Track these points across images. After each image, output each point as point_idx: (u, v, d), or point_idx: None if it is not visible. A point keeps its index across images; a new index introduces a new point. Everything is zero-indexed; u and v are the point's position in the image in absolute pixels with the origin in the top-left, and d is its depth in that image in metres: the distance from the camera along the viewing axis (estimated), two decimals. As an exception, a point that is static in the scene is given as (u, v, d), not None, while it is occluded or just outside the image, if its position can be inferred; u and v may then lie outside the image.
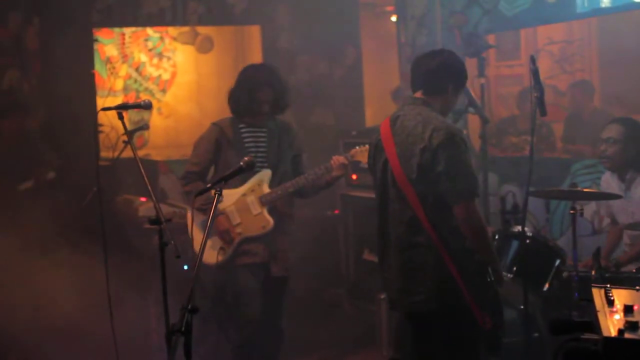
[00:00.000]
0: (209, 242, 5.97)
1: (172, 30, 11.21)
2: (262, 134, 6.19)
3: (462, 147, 4.64)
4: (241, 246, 6.10)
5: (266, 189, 6.08)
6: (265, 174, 6.09)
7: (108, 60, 10.84)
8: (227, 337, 6.43)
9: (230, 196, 6.05)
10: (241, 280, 6.13)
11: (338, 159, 6.06)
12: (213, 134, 6.19)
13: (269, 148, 6.17)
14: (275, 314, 6.25)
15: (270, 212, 6.09)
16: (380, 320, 7.03)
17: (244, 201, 6.08)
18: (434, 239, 4.63)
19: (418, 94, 4.90)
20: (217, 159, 6.17)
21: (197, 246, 5.88)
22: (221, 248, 6.03)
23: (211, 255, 6.02)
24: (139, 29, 10.96)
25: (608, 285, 3.13)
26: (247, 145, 6.12)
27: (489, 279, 4.74)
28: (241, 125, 6.17)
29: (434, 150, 4.58)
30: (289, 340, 6.49)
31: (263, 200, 6.06)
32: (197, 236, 5.98)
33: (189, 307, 3.59)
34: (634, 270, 5.83)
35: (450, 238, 4.66)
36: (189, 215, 6.24)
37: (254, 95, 6.07)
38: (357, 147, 6.14)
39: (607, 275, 5.55)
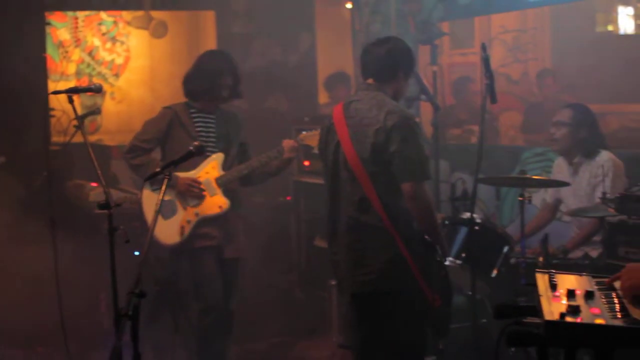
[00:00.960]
0: (166, 224, 6.01)
1: (126, 15, 11.11)
2: (212, 120, 6.22)
3: (415, 130, 4.74)
4: (199, 228, 6.10)
5: (220, 171, 6.11)
6: (219, 156, 6.12)
7: (61, 44, 10.71)
8: (186, 320, 6.46)
9: (186, 178, 6.06)
10: (199, 263, 6.15)
11: (288, 142, 6.12)
12: (166, 116, 6.21)
13: (218, 134, 6.20)
14: (228, 297, 6.26)
15: (225, 194, 6.11)
16: (331, 306, 7.05)
17: (200, 182, 6.09)
18: (385, 220, 4.67)
19: (370, 80, 4.95)
20: (166, 141, 6.18)
21: (157, 233, 5.94)
22: (181, 227, 6.03)
23: (169, 236, 6.04)
24: (93, 12, 10.84)
25: (552, 271, 3.17)
26: (198, 129, 6.14)
27: (438, 259, 4.79)
28: (192, 111, 6.20)
29: (388, 131, 4.64)
30: (241, 326, 6.50)
31: (219, 182, 6.08)
32: (160, 224, 6.00)
33: (137, 291, 3.57)
34: (581, 257, 5.93)
35: (400, 219, 4.70)
36: (143, 197, 6.24)
37: (215, 80, 6.12)
38: (306, 132, 6.19)
39: (554, 261, 5.64)
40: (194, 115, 6.19)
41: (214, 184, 6.09)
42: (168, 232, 6.03)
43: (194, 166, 6.05)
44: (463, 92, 9.99)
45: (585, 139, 6.17)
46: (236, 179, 6.13)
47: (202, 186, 6.07)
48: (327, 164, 5.04)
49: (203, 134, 6.14)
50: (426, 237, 4.77)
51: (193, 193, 6.05)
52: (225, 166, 6.13)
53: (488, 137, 8.92)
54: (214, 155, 6.11)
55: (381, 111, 4.70)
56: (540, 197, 6.81)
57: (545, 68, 10.10)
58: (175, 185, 5.99)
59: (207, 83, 6.14)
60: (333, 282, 7.06)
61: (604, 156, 6.10)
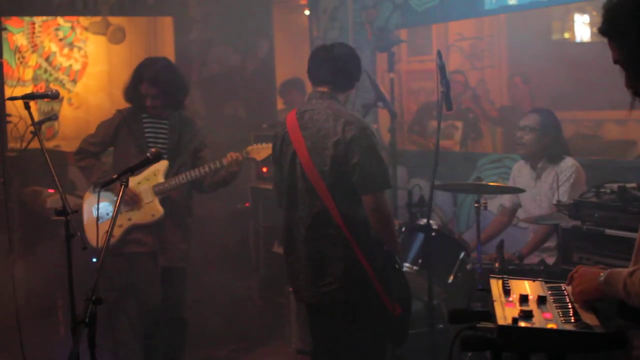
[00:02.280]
0: (100, 227, 5.88)
1: (83, 20, 11.07)
2: (164, 126, 6.19)
3: (373, 139, 4.75)
4: (130, 234, 6.10)
5: (161, 179, 6.08)
6: (162, 164, 6.05)
7: (17, 50, 10.65)
8: (130, 326, 6.46)
9: None
10: (133, 268, 6.16)
11: (232, 155, 6.03)
12: (115, 119, 6.23)
13: (169, 140, 6.17)
14: (174, 306, 6.25)
15: (164, 203, 6.09)
16: (290, 312, 7.07)
17: (137, 189, 6.07)
18: (344, 230, 4.68)
19: (324, 88, 4.93)
20: (115, 144, 6.20)
21: (88, 233, 5.92)
22: (106, 232, 5.95)
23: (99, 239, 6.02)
24: (50, 18, 10.79)
25: (505, 276, 3.21)
26: (146, 135, 6.13)
27: (397, 267, 4.83)
28: (144, 115, 6.17)
29: (347, 143, 4.65)
30: (199, 333, 6.50)
31: (155, 190, 6.06)
32: (92, 227, 5.99)
33: (93, 297, 3.56)
34: (537, 263, 5.99)
35: (359, 228, 4.72)
36: (84, 198, 6.24)
37: (137, 88, 6.09)
38: (256, 145, 6.14)
39: (510, 267, 5.69)
40: (144, 120, 6.16)
41: (151, 191, 6.07)
42: (99, 234, 6.01)
43: (139, 171, 5.99)
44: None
45: (550, 144, 6.24)
46: (174, 188, 6.07)
47: (137, 193, 6.05)
48: (282, 174, 5.01)
49: (151, 139, 6.12)
50: (385, 246, 4.81)
51: (125, 200, 6.01)
52: (169, 174, 6.09)
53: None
54: (158, 163, 5.98)
55: (338, 122, 4.71)
56: (497, 203, 6.87)
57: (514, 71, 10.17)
58: (114, 188, 5.96)
59: (131, 91, 6.13)
60: (291, 289, 7.08)
61: (568, 162, 6.16)
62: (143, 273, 6.14)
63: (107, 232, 4.04)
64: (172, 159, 6.14)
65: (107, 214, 6.02)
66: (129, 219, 6.08)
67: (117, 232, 6.06)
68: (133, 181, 6.04)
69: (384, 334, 4.89)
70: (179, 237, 6.23)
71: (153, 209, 6.07)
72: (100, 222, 6.01)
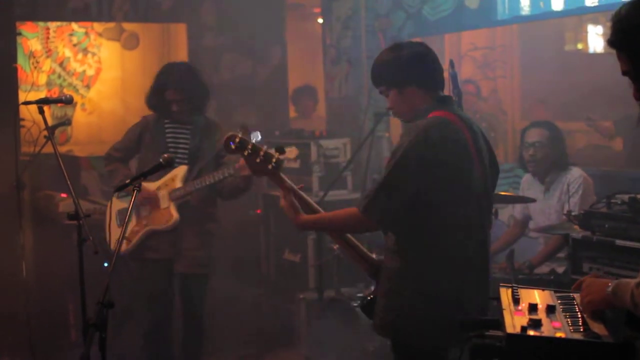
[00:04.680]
0: (118, 232, 6.01)
1: (97, 26, 11.12)
2: (186, 131, 6.18)
3: None
4: (147, 240, 6.12)
5: (178, 185, 6.07)
6: (180, 169, 6.07)
7: (32, 55, 10.70)
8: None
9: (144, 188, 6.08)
10: (146, 274, 6.18)
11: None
12: (139, 125, 6.28)
13: (190, 145, 6.16)
14: (191, 312, 6.26)
15: (182, 209, 6.08)
16: (299, 319, 7.09)
17: (156, 195, 6.10)
18: None
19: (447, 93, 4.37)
20: (138, 150, 6.24)
21: (113, 237, 5.97)
22: (124, 238, 5.99)
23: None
24: (64, 23, 10.84)
25: (515, 285, 3.22)
26: (167, 140, 6.14)
27: None
28: (166, 121, 6.19)
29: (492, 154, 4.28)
30: (208, 338, 6.51)
31: (171, 196, 6.06)
32: (114, 231, 6.05)
33: (104, 301, 3.58)
34: (547, 272, 5.99)
35: None
36: (108, 208, 6.31)
37: (161, 94, 6.10)
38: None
39: (520, 276, 5.69)
40: (166, 125, 6.18)
41: (167, 197, 6.10)
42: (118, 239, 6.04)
43: (158, 177, 6.04)
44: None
45: (558, 157, 6.25)
46: (189, 193, 6.06)
47: (156, 198, 6.09)
48: (459, 187, 3.98)
49: (172, 144, 6.13)
50: None
51: (145, 203, 6.07)
52: (188, 179, 6.08)
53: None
54: (178, 168, 6.05)
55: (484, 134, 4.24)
56: (508, 214, 6.87)
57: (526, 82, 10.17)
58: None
59: (154, 97, 6.15)
60: (301, 296, 7.12)
61: (575, 173, 6.16)
62: (156, 280, 6.15)
63: (119, 238, 4.07)
64: (192, 164, 6.13)
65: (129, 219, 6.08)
66: (145, 225, 6.11)
67: (134, 238, 6.09)
68: (153, 186, 6.08)
69: None
70: (197, 244, 6.16)
71: (167, 215, 6.08)
72: (120, 226, 6.09)
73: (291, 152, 5.95)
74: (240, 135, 4.16)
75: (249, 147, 4.16)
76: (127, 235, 6.03)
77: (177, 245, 6.12)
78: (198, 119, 6.22)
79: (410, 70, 4.12)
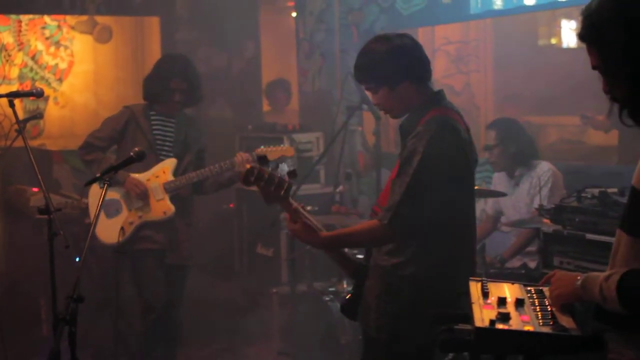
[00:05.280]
0: (109, 222, 6.05)
1: (70, 19, 11.04)
2: (171, 124, 6.23)
3: None
4: (141, 231, 6.12)
5: (170, 177, 6.10)
6: (171, 161, 6.13)
7: (3, 48, 10.62)
8: (128, 324, 6.46)
9: (133, 179, 6.07)
10: (141, 265, 6.18)
11: (242, 156, 6.09)
12: (124, 115, 6.24)
13: (176, 138, 6.21)
14: (176, 305, 6.31)
15: (173, 201, 6.11)
16: (272, 313, 7.09)
17: (147, 186, 6.09)
18: None
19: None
20: (121, 141, 6.20)
21: (99, 232, 5.97)
22: (121, 228, 6.02)
23: (109, 236, 6.04)
24: (36, 16, 10.77)
25: (484, 279, 3.22)
26: (155, 132, 6.16)
27: None
28: (152, 113, 6.21)
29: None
30: (182, 332, 6.50)
31: (167, 187, 6.08)
32: (103, 223, 6.04)
33: (74, 296, 3.58)
34: (518, 267, 6.02)
35: None
36: (90, 192, 6.27)
37: (166, 83, 6.11)
38: (264, 147, 6.18)
39: (491, 271, 5.71)
40: (153, 117, 6.20)
41: (162, 189, 6.09)
42: (109, 231, 6.03)
43: (146, 168, 6.06)
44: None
45: (519, 151, 6.28)
46: (185, 186, 6.13)
47: (148, 190, 6.07)
48: (467, 183, 4.06)
49: (159, 137, 6.17)
50: None
51: (136, 194, 6.05)
52: (177, 172, 6.13)
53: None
54: (167, 160, 6.12)
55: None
56: (480, 208, 6.89)
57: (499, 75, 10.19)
58: (124, 184, 6.00)
59: (158, 86, 6.14)
60: (274, 290, 7.12)
61: (544, 167, 6.20)
62: (149, 270, 6.16)
63: (90, 230, 4.06)
64: (180, 157, 6.19)
65: (117, 210, 6.07)
66: (140, 217, 6.11)
67: (129, 230, 6.10)
68: (143, 177, 6.08)
69: None
70: (187, 236, 6.29)
71: (165, 206, 6.10)
72: (109, 218, 6.06)
73: (289, 150, 6.20)
74: (258, 167, 4.00)
75: (266, 176, 3.95)
76: (119, 227, 6.04)
77: (171, 237, 6.17)
78: (181, 114, 6.26)
79: (403, 66, 3.99)
